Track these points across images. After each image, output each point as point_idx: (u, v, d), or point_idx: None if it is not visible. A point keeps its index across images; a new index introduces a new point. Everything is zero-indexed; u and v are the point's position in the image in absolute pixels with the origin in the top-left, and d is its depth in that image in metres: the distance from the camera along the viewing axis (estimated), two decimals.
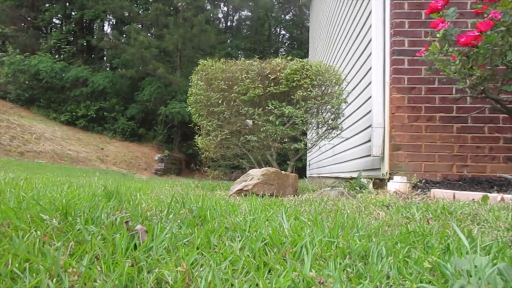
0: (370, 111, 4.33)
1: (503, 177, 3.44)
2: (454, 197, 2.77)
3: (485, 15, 2.95)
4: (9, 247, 1.03)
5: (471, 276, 0.93)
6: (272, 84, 4.66)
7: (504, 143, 3.73)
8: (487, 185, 3.32)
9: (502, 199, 2.47)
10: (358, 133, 5.16)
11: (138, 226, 1.25)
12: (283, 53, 26.85)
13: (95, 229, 1.26)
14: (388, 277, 1.00)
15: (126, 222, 1.33)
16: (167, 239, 1.20)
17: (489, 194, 2.54)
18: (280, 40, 31.87)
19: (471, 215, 1.86)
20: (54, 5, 24.07)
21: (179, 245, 1.17)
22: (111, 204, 1.75)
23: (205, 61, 5.28)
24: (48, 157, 12.72)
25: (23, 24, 23.79)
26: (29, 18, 23.68)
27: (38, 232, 1.19)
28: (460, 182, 3.47)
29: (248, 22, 30.74)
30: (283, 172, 3.43)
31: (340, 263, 1.06)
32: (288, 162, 5.34)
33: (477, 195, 2.60)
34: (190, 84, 5.47)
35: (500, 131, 3.75)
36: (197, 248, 1.15)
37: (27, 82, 19.49)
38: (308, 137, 5.87)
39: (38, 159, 11.94)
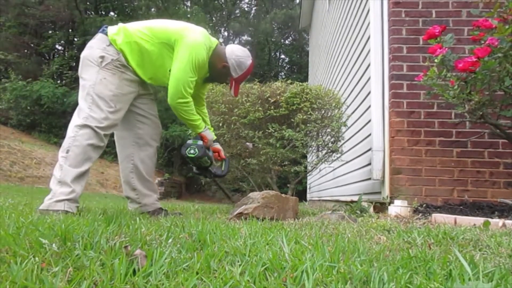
0: (369, 135, 4.35)
1: (504, 202, 3.42)
2: (455, 222, 2.75)
3: (482, 42, 3.00)
4: (7, 274, 1.02)
5: None
6: (272, 107, 4.68)
7: (504, 168, 3.72)
8: (488, 210, 3.30)
9: (504, 224, 2.46)
10: (358, 156, 5.17)
11: (137, 251, 1.23)
12: (283, 76, 27.17)
13: (94, 254, 1.25)
14: None
15: (125, 247, 1.32)
16: (167, 264, 1.19)
17: (490, 220, 2.52)
18: (280, 64, 32.28)
19: (473, 241, 1.85)
20: (57, 32, 24.47)
21: (178, 270, 1.15)
22: (111, 229, 1.74)
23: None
24: (48, 182, 12.67)
25: (26, 50, 24.13)
26: (32, 45, 24.02)
27: (37, 258, 1.17)
28: (461, 207, 3.46)
29: (248, 47, 30.95)
30: (283, 195, 3.41)
31: None
32: (288, 185, 5.31)
33: (478, 220, 2.59)
34: None
35: (500, 156, 3.75)
36: (197, 273, 1.14)
37: (28, 108, 19.58)
38: (308, 160, 5.87)
39: (38, 184, 11.90)
